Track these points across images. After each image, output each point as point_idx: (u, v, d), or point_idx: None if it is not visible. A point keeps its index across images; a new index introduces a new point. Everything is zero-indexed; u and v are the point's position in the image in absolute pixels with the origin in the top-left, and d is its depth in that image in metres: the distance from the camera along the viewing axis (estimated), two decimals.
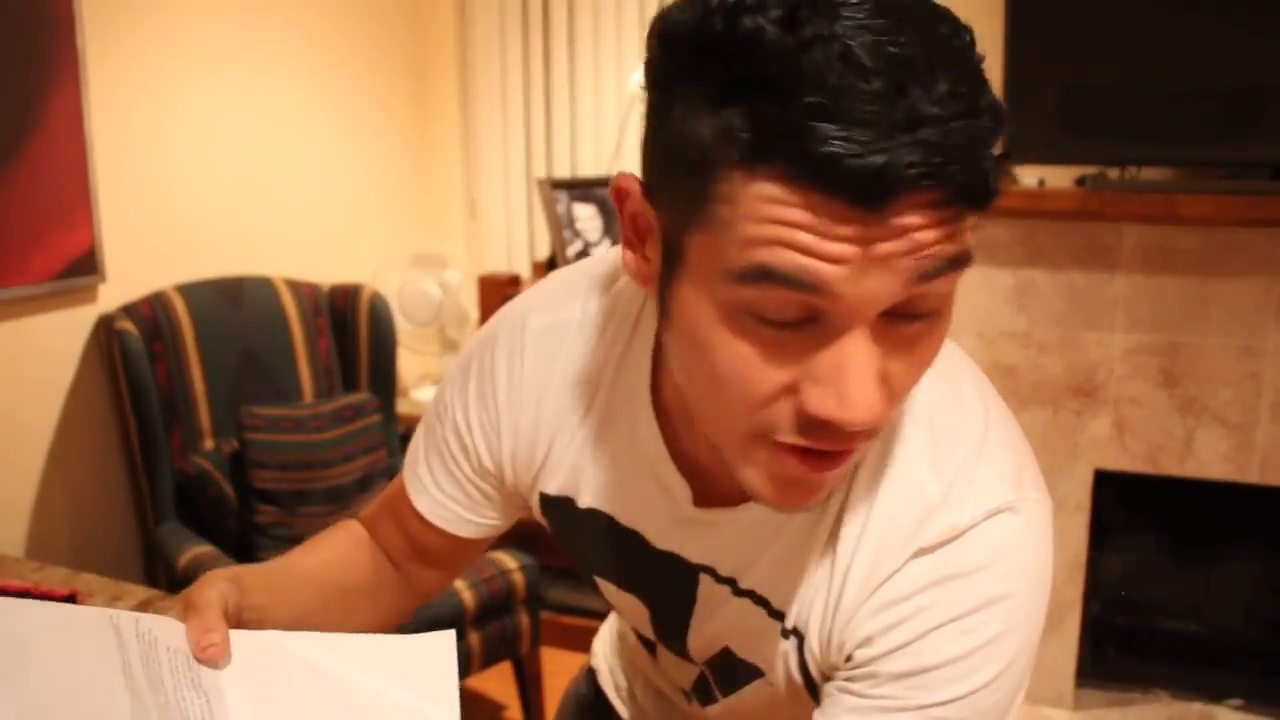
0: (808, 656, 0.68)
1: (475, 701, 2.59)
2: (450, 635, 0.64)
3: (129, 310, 2.16)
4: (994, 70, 2.47)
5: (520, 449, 0.76)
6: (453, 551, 0.85)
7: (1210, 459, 2.37)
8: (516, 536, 2.65)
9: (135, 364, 2.11)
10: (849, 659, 0.64)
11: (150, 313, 2.19)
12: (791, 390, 0.53)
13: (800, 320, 0.51)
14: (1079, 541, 2.49)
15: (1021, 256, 2.42)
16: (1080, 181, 2.37)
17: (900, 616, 0.62)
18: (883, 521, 0.63)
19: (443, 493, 0.81)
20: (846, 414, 0.51)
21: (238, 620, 0.66)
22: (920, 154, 0.46)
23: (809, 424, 0.53)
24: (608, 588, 0.81)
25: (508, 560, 2.27)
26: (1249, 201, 2.18)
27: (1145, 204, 2.24)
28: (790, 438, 0.54)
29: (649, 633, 0.81)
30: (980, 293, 2.46)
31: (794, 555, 0.67)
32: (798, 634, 0.68)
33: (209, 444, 2.29)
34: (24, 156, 2.01)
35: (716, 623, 0.73)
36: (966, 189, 0.48)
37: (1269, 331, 2.29)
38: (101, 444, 2.22)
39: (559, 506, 0.77)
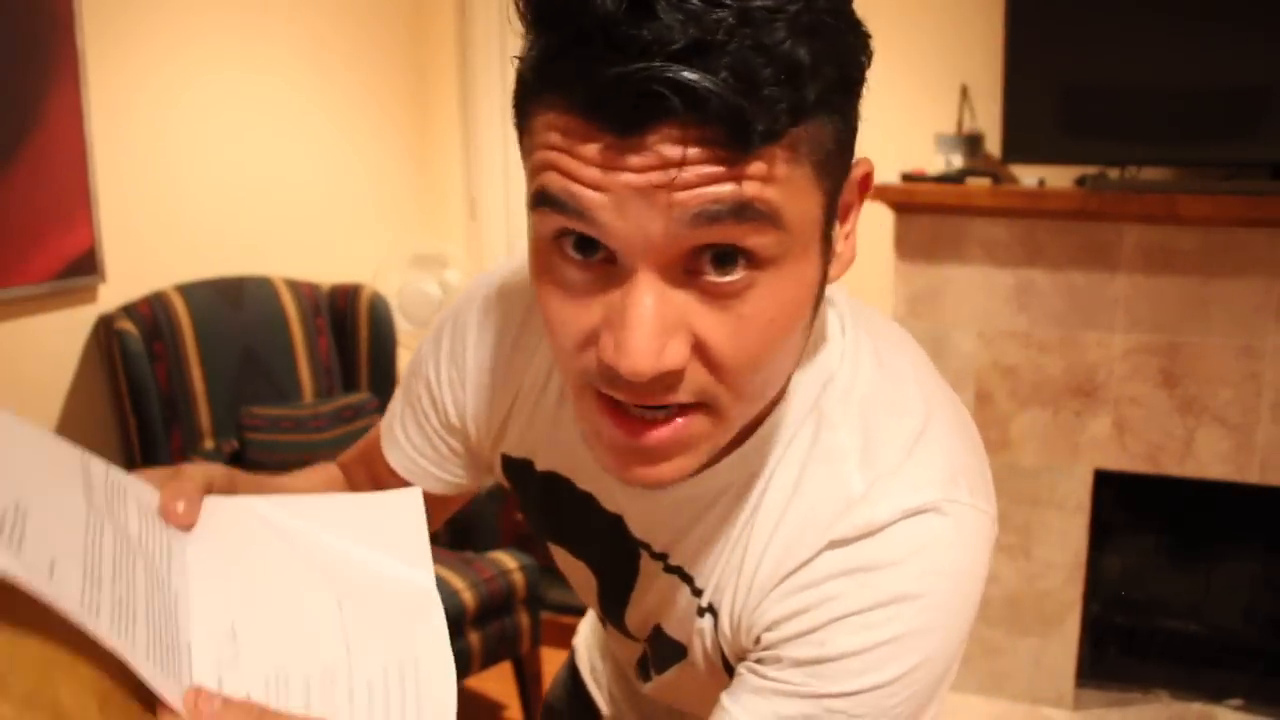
0: (720, 636, 0.68)
1: (475, 701, 2.59)
2: (417, 492, 0.64)
3: (129, 310, 2.16)
4: (994, 70, 2.47)
5: (484, 408, 0.77)
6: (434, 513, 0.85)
7: (1210, 459, 2.37)
8: (516, 537, 2.65)
9: (135, 364, 2.11)
10: (757, 641, 0.64)
11: (150, 313, 2.19)
12: (596, 337, 0.53)
13: (598, 260, 0.51)
14: (1079, 541, 2.49)
15: (1021, 256, 2.42)
16: (1080, 181, 2.37)
17: (806, 603, 0.61)
18: (802, 511, 0.63)
19: (413, 447, 0.82)
20: (622, 361, 0.50)
21: None
22: (681, 77, 0.45)
23: (604, 371, 0.52)
24: (562, 555, 0.81)
25: (507, 560, 2.27)
26: (1249, 201, 2.18)
27: (1145, 204, 2.24)
28: (606, 385, 0.54)
29: (595, 606, 0.82)
30: (980, 292, 2.46)
31: (715, 534, 0.67)
32: (713, 612, 0.68)
33: (209, 444, 2.29)
34: (24, 156, 2.01)
35: (650, 598, 0.74)
36: (735, 125, 0.46)
37: (1269, 331, 2.29)
38: (101, 444, 2.22)
39: (519, 469, 0.77)
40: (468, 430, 0.79)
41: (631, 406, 0.54)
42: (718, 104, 0.46)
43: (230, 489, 0.66)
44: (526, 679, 2.36)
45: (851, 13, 0.52)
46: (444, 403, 0.79)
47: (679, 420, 0.55)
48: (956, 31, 2.52)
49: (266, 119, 2.63)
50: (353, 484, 0.89)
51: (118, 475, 0.59)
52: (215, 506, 0.62)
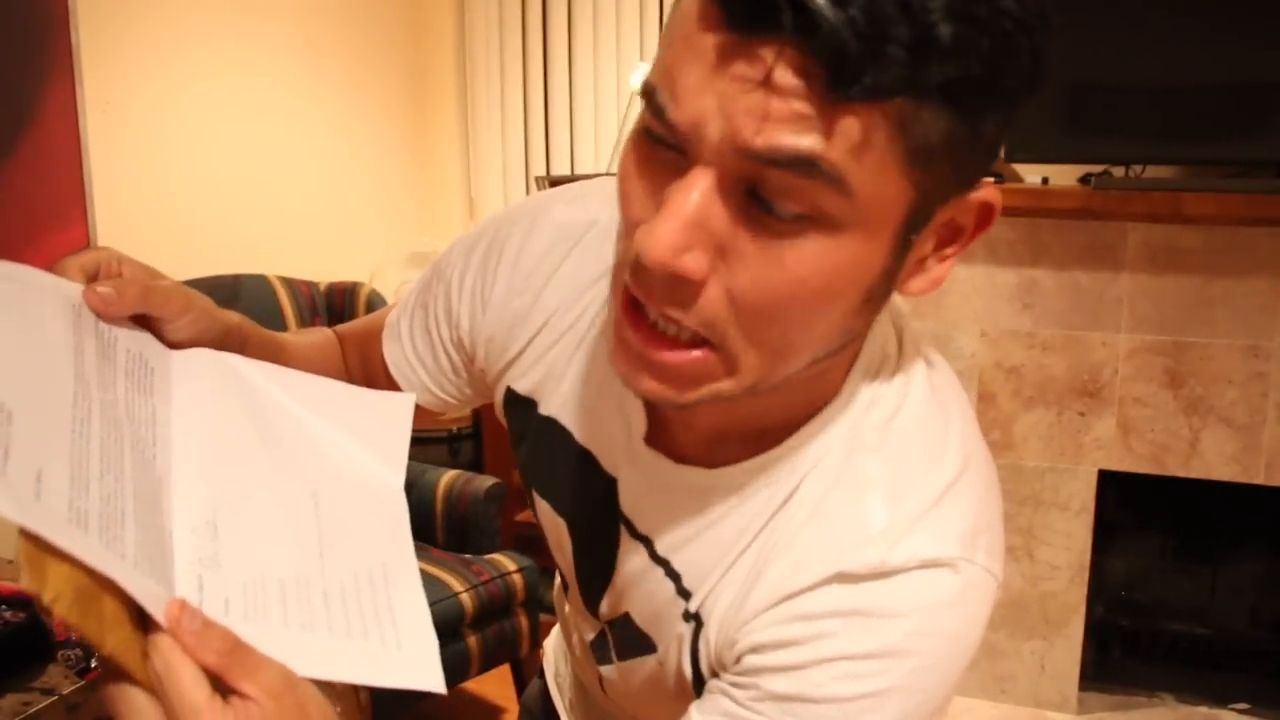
0: (701, 646, 0.65)
1: (474, 704, 2.57)
2: (409, 398, 0.64)
3: None
4: None
5: (501, 334, 0.73)
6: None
7: (1216, 460, 2.35)
8: (515, 539, 2.64)
9: None
10: (738, 661, 0.62)
11: None
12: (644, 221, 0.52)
13: (672, 146, 0.50)
14: (1083, 543, 2.48)
15: (1025, 256, 2.41)
16: (1084, 180, 2.35)
17: (797, 636, 0.59)
18: (817, 533, 0.60)
19: (413, 350, 0.78)
20: (643, 243, 0.49)
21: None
22: (810, 2, 0.43)
23: (632, 259, 0.52)
24: (543, 508, 0.77)
25: (506, 563, 2.26)
26: (1254, 200, 2.16)
27: (1150, 203, 2.23)
28: (629, 278, 0.53)
29: (568, 571, 0.78)
30: (984, 292, 2.45)
31: (718, 539, 0.64)
32: (698, 620, 0.65)
33: None
34: (18, 154, 1.99)
35: (625, 581, 0.71)
36: (838, 65, 0.44)
37: (1275, 331, 2.27)
38: None
39: (520, 407, 0.74)
40: (476, 352, 0.75)
41: (649, 309, 0.53)
42: (829, 34, 0.43)
43: (240, 339, 0.66)
44: (525, 682, 2.34)
45: (1035, 32, 0.49)
46: (459, 316, 0.75)
47: (691, 352, 0.53)
48: None
49: (263, 116, 2.61)
50: (345, 359, 0.85)
51: (108, 323, 0.58)
52: (210, 365, 0.61)
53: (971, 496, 0.61)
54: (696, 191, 0.49)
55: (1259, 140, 2.20)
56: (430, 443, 2.97)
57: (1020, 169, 2.46)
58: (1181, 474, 2.39)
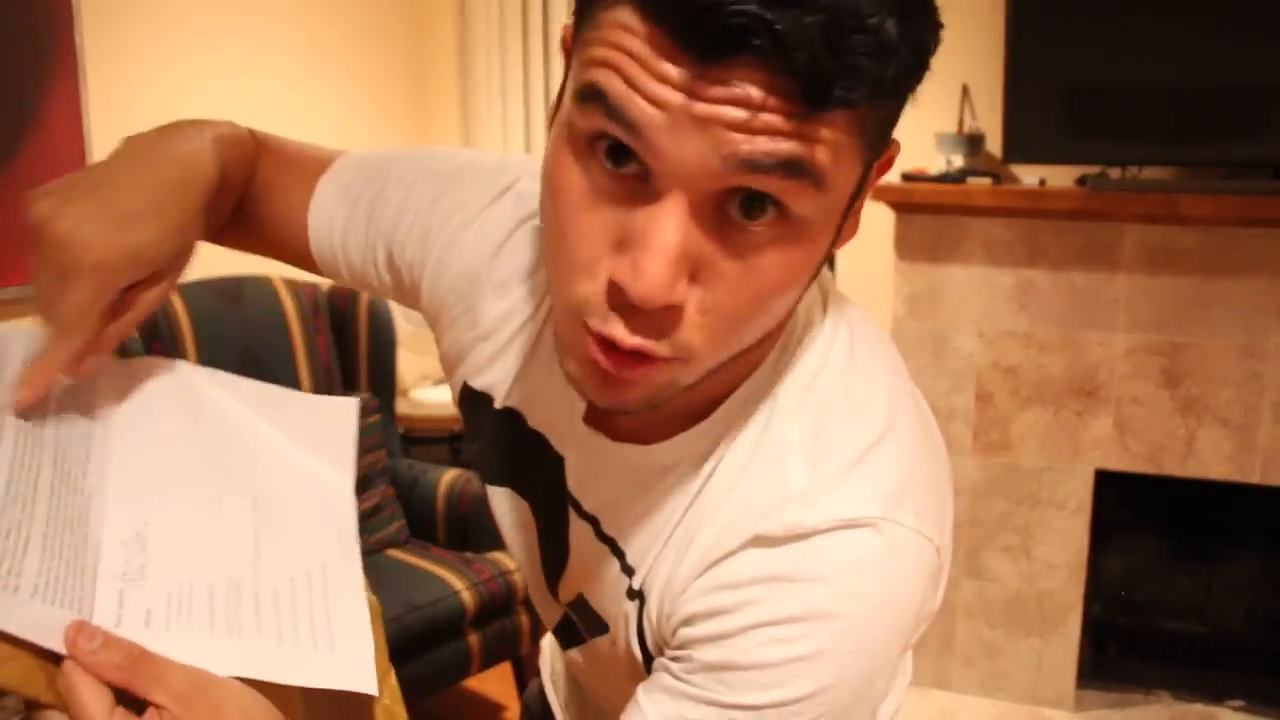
0: (646, 624, 0.65)
1: (475, 702, 2.58)
2: (353, 402, 0.65)
3: None
4: (995, 70, 2.46)
5: (443, 288, 0.73)
6: (289, 255, 0.82)
7: (1212, 459, 2.36)
8: None
9: None
10: (674, 634, 0.62)
11: None
12: (609, 253, 0.51)
13: (631, 172, 0.50)
14: (1080, 542, 2.49)
15: (1022, 256, 2.42)
16: (1081, 181, 2.36)
17: (723, 605, 0.59)
18: (739, 501, 0.60)
19: (343, 244, 0.77)
20: (637, 284, 0.48)
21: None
22: (768, 16, 0.44)
23: (612, 293, 0.51)
24: (504, 498, 0.76)
25: (507, 561, 2.27)
26: (1250, 201, 2.17)
27: (1146, 204, 2.24)
28: (597, 321, 0.52)
29: (532, 555, 0.77)
30: (981, 292, 2.46)
31: (654, 512, 0.64)
32: (641, 597, 0.65)
33: None
34: (23, 154, 2.00)
35: (577, 562, 0.71)
36: (814, 83, 0.45)
37: (1270, 331, 2.28)
38: None
39: (478, 403, 0.74)
40: (416, 287, 0.74)
41: (623, 342, 0.52)
42: (803, 57, 0.44)
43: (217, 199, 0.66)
44: (526, 680, 2.36)
45: None
46: (405, 245, 0.74)
47: (652, 363, 0.53)
48: (957, 31, 2.49)
49: (266, 116, 2.61)
50: (257, 171, 0.79)
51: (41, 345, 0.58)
52: (156, 372, 0.62)
53: (897, 457, 0.59)
54: (675, 220, 0.49)
55: (1255, 141, 2.21)
56: (432, 442, 2.98)
57: (1017, 170, 2.47)
58: (1178, 473, 2.40)
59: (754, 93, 0.46)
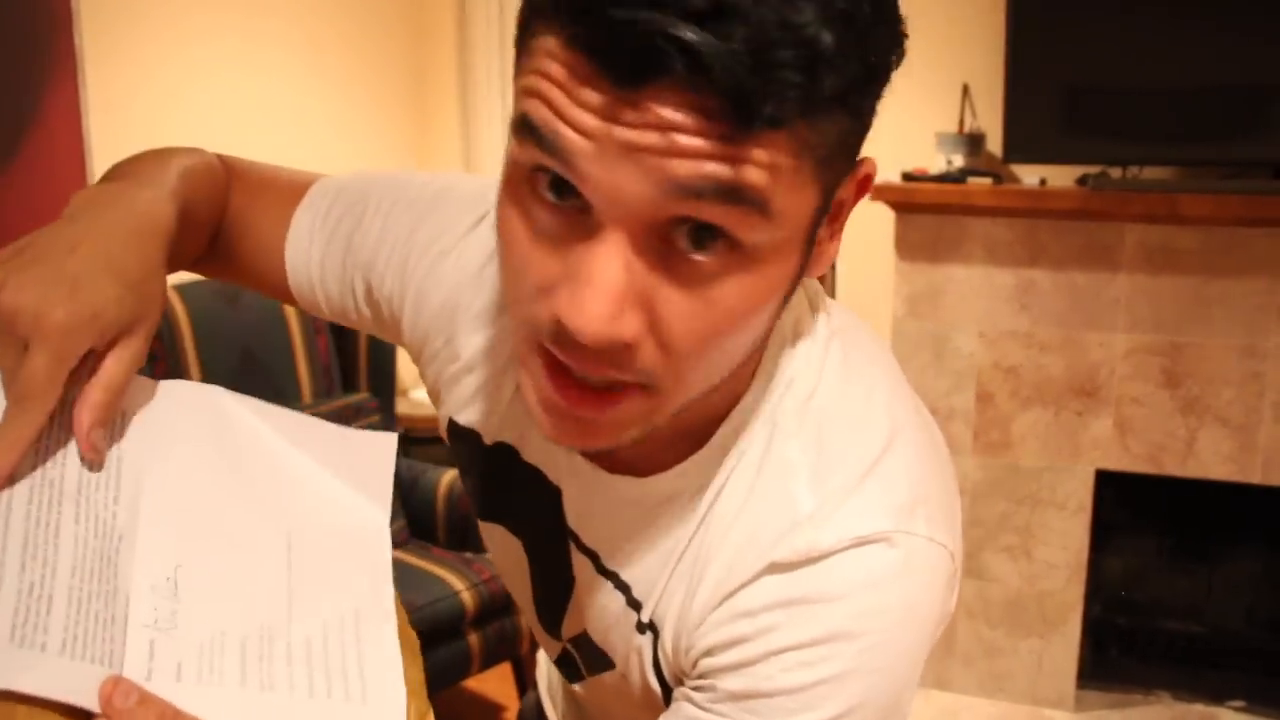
0: (661, 656, 0.64)
1: (475, 702, 2.58)
2: (392, 438, 0.62)
3: None
4: (996, 69, 2.46)
5: (424, 322, 0.71)
6: (267, 288, 0.80)
7: (1212, 459, 2.36)
8: None
9: None
10: (694, 665, 0.61)
11: None
12: (555, 289, 0.50)
13: (570, 207, 0.48)
14: (1080, 542, 2.49)
15: (1023, 256, 2.42)
16: (1082, 181, 2.36)
17: (743, 633, 0.58)
18: (747, 528, 0.59)
19: (320, 277, 0.75)
20: (575, 319, 0.47)
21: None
22: (686, 36, 0.42)
23: (555, 327, 0.49)
24: (498, 536, 0.75)
25: None
26: (1251, 201, 2.17)
27: (1147, 203, 2.24)
28: (548, 343, 0.51)
29: (525, 595, 0.75)
30: (982, 292, 2.46)
31: (658, 546, 0.63)
32: (653, 629, 0.64)
33: None
34: (21, 154, 2.00)
35: (579, 598, 0.69)
36: (738, 102, 0.43)
37: (1271, 331, 2.28)
38: None
39: (465, 440, 0.73)
40: (397, 321, 0.73)
41: (574, 370, 0.51)
42: (723, 76, 0.43)
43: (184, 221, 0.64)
44: (526, 680, 2.35)
45: (893, 5, 0.49)
46: (381, 278, 0.72)
47: (617, 401, 0.52)
48: (958, 30, 2.51)
49: (265, 116, 2.62)
50: (229, 196, 0.78)
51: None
52: (188, 399, 0.60)
53: (903, 468, 0.59)
54: (615, 254, 0.47)
55: (1255, 141, 2.21)
56: (432, 442, 2.98)
57: (1018, 170, 2.47)
58: (1178, 473, 2.40)
59: (676, 116, 0.44)
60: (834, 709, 0.56)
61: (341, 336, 2.54)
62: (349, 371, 2.55)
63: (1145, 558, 2.63)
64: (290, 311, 2.46)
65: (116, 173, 0.69)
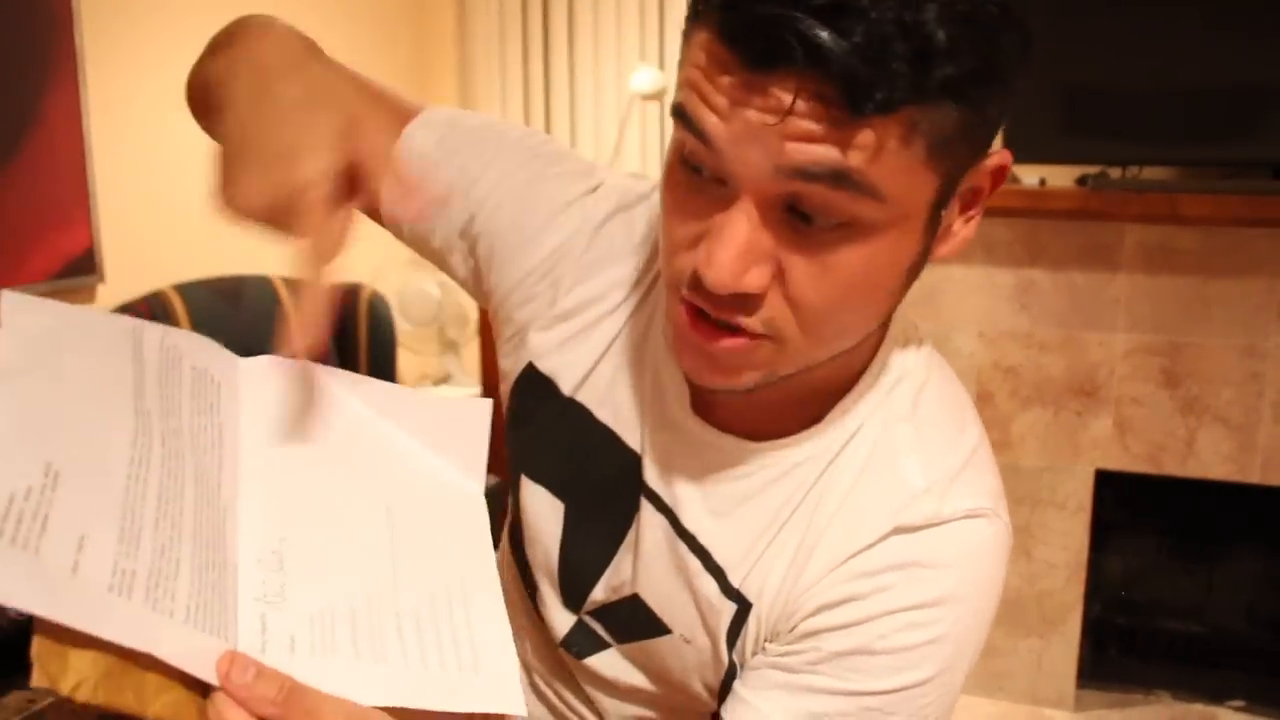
0: (750, 625, 0.66)
1: None
2: (487, 404, 0.62)
3: (128, 310, 2.16)
4: None
5: (530, 262, 0.73)
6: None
7: (1212, 459, 2.36)
8: None
9: None
10: (793, 629, 0.64)
11: (149, 312, 2.19)
12: (696, 246, 0.57)
13: (709, 179, 0.56)
14: (1080, 542, 2.49)
15: (1023, 256, 2.42)
16: (1081, 181, 2.36)
17: (858, 591, 0.62)
18: (866, 496, 0.65)
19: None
20: (708, 272, 0.55)
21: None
22: (811, 30, 0.47)
23: (693, 279, 0.57)
24: (536, 495, 0.75)
25: None
26: (1250, 201, 2.17)
27: (1146, 204, 2.24)
28: (686, 292, 0.58)
29: (549, 559, 0.76)
30: (981, 292, 2.46)
31: (758, 513, 0.66)
32: (742, 600, 0.66)
33: None
34: (22, 155, 2.00)
35: (644, 562, 0.70)
36: (849, 88, 0.49)
37: (1271, 331, 2.28)
38: None
39: (538, 385, 0.74)
40: (493, 259, 0.74)
41: (710, 313, 0.57)
42: (837, 64, 0.48)
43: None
44: None
45: (1015, 11, 0.53)
46: (493, 211, 0.73)
47: (746, 340, 0.58)
48: None
49: None
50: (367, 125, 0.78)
51: (174, 339, 0.56)
52: (279, 374, 0.60)
53: (988, 462, 0.68)
54: (743, 219, 0.54)
55: (1255, 141, 2.21)
56: None
57: (1018, 170, 2.47)
58: (1178, 473, 2.40)
59: (798, 101, 0.49)
60: (929, 670, 0.61)
61: (342, 336, 2.55)
62: (349, 370, 2.55)
63: (1145, 557, 2.63)
64: (291, 311, 2.46)
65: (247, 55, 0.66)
